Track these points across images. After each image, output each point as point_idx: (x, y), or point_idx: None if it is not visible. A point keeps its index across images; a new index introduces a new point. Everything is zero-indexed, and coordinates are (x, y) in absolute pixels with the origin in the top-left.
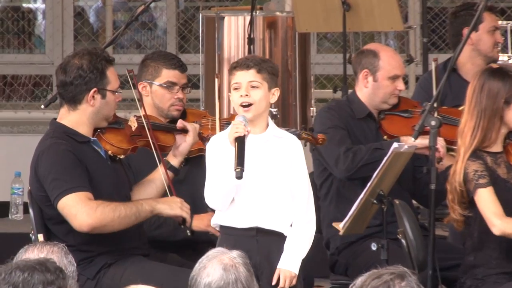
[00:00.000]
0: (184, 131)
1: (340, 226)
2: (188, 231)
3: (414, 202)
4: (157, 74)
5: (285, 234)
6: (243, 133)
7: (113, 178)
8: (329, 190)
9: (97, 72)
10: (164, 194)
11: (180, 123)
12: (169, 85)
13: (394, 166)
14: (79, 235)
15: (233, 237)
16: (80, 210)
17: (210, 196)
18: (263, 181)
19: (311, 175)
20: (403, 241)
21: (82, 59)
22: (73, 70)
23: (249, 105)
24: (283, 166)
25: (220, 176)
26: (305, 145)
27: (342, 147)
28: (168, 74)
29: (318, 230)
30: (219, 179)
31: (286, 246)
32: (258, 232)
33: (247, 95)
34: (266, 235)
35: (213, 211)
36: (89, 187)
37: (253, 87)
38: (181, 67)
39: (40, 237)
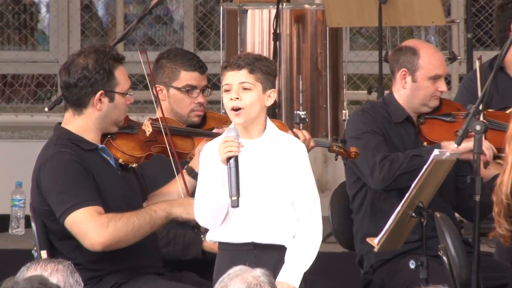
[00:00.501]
0: (208, 134)
1: (375, 241)
2: (202, 236)
3: (456, 215)
4: (174, 76)
5: (286, 246)
6: (237, 152)
7: (124, 190)
8: (363, 202)
9: (104, 73)
10: None
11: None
12: (189, 89)
13: (434, 175)
14: (86, 252)
15: (229, 252)
16: (90, 227)
17: (199, 212)
18: (259, 192)
19: (342, 185)
20: (444, 258)
21: (88, 58)
22: (77, 71)
23: (240, 108)
24: (282, 172)
25: (210, 192)
26: (336, 159)
27: (378, 155)
28: (187, 77)
29: (351, 247)
30: (209, 195)
31: (287, 257)
32: (256, 247)
33: (237, 98)
34: (265, 249)
35: None
36: (98, 199)
37: (244, 89)
38: (201, 68)
39: (44, 254)
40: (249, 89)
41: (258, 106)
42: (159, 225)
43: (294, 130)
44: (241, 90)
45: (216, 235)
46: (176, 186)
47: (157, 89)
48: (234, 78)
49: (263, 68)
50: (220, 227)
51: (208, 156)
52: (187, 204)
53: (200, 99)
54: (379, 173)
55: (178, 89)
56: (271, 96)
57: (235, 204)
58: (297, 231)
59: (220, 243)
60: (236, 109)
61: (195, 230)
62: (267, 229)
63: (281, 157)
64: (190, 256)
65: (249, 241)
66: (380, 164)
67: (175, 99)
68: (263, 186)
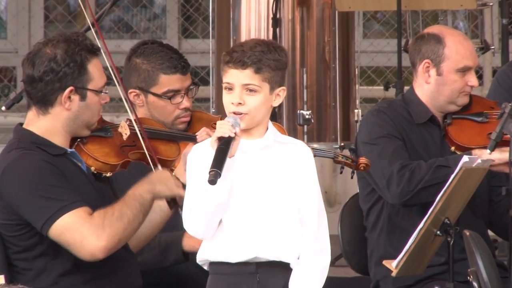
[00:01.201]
0: (192, 139)
1: (392, 265)
2: (180, 209)
3: (490, 233)
4: (152, 81)
5: (292, 265)
6: (228, 134)
7: (98, 202)
8: (379, 218)
9: (74, 66)
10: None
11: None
12: (171, 95)
13: (463, 187)
14: (55, 273)
15: (225, 277)
16: (86, 233)
17: (189, 218)
18: (262, 199)
19: (354, 198)
20: (475, 284)
21: (56, 48)
22: (43, 62)
23: (243, 113)
24: (288, 178)
25: (200, 193)
26: (341, 172)
27: (396, 164)
28: (167, 81)
29: (364, 271)
30: (199, 197)
31: (291, 282)
32: (259, 266)
33: (240, 103)
34: (269, 268)
35: None
36: (82, 199)
37: (249, 90)
38: (183, 68)
39: (1, 279)
40: (255, 91)
41: (263, 109)
42: (148, 210)
43: None
44: (244, 92)
45: (209, 253)
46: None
47: (133, 94)
48: (237, 78)
49: (272, 64)
50: (214, 243)
51: (197, 157)
52: (165, 178)
53: (185, 103)
54: (396, 185)
55: (158, 96)
56: (280, 95)
57: (213, 178)
58: (302, 251)
59: (213, 266)
60: (238, 114)
61: (172, 209)
62: (273, 242)
63: (288, 160)
64: (170, 260)
65: (251, 257)
66: (398, 175)
67: (155, 106)
68: (267, 191)
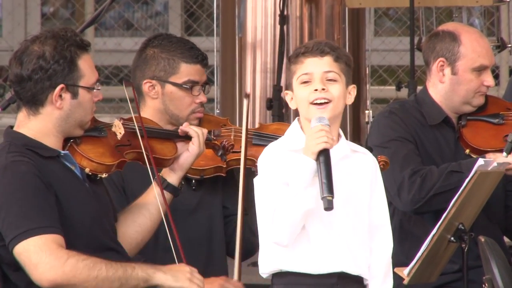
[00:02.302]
0: (188, 137)
1: (404, 272)
2: None
3: (506, 239)
4: (173, 70)
5: (365, 280)
6: (331, 144)
7: (92, 206)
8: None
9: (64, 63)
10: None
11: (183, 128)
12: (191, 85)
13: (478, 191)
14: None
15: (302, 287)
16: (43, 259)
17: (273, 225)
18: (345, 210)
19: None
20: None
21: (45, 45)
22: (31, 60)
23: (326, 102)
24: (363, 190)
25: (288, 200)
26: None
27: (407, 169)
28: (189, 71)
29: None
30: (287, 203)
31: None
32: (340, 279)
33: (323, 89)
34: (347, 281)
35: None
36: (59, 227)
37: (329, 79)
38: (203, 60)
39: None
40: (335, 81)
41: (343, 102)
42: (132, 286)
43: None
44: (326, 81)
45: (288, 263)
46: (152, 195)
47: (148, 85)
48: (317, 66)
49: (345, 58)
50: (296, 253)
51: (275, 160)
52: (178, 270)
53: (202, 97)
54: (407, 192)
55: (178, 85)
56: (351, 94)
57: (330, 205)
58: (377, 265)
59: (288, 276)
60: (322, 103)
61: None
62: (356, 257)
63: (363, 171)
64: None
65: (338, 271)
66: (409, 181)
67: (173, 97)
68: (349, 202)
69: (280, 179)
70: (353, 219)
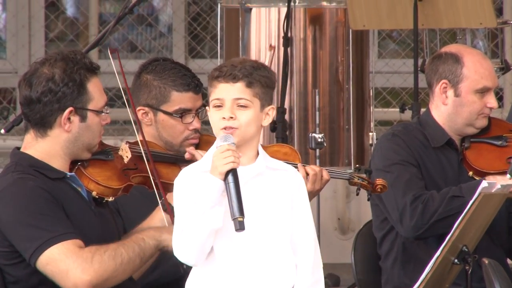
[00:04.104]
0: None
1: None
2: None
3: (510, 261)
4: (164, 98)
5: None
6: (237, 163)
7: (99, 230)
8: (393, 247)
9: (73, 86)
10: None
11: (189, 153)
12: (182, 113)
13: (482, 213)
14: None
15: None
16: (71, 264)
17: (181, 244)
18: (255, 228)
19: (368, 225)
20: None
21: (54, 67)
22: (41, 83)
23: (233, 128)
24: (282, 207)
25: (197, 216)
26: (357, 194)
27: (409, 195)
28: (180, 99)
29: None
30: (194, 223)
31: None
32: None
33: (231, 117)
34: None
35: None
36: (75, 231)
37: (240, 106)
38: (196, 87)
39: None
40: (246, 107)
41: (254, 127)
42: (149, 256)
43: (299, 165)
44: (235, 108)
45: (199, 283)
46: (157, 220)
47: (141, 111)
48: (228, 93)
49: (262, 80)
50: (205, 272)
51: (186, 180)
52: None
53: (196, 124)
54: (409, 219)
55: (169, 114)
56: (269, 114)
57: (241, 227)
58: (298, 281)
59: None
60: (229, 129)
61: (184, 267)
62: (267, 274)
63: (280, 188)
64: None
65: None
66: (411, 207)
67: (165, 125)
68: (260, 220)
69: (189, 200)
70: (270, 237)
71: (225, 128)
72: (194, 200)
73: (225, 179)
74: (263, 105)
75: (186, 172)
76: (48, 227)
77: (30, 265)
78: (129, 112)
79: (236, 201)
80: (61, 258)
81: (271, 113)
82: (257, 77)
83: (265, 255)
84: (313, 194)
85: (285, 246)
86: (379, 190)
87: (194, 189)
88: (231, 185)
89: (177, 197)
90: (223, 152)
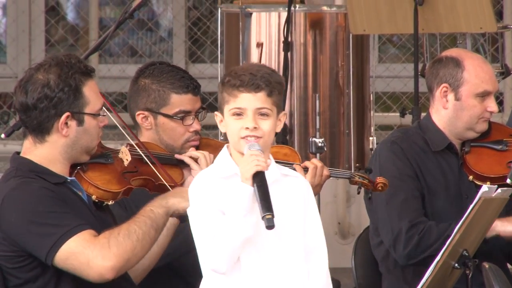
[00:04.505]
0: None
1: None
2: None
3: (510, 266)
4: (163, 101)
5: None
6: (265, 166)
7: (99, 232)
8: (388, 254)
9: (69, 91)
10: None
11: (190, 153)
12: (182, 116)
13: (482, 217)
14: None
15: None
16: (91, 254)
17: (211, 253)
18: (279, 233)
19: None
20: None
21: (49, 73)
22: (36, 89)
23: (258, 138)
24: (297, 214)
25: (227, 228)
26: (358, 192)
27: (405, 219)
28: (179, 101)
29: None
30: (226, 231)
31: None
32: None
33: (255, 127)
34: None
35: None
36: (86, 222)
37: (261, 114)
38: (195, 89)
39: None
40: (267, 115)
41: (273, 134)
42: (162, 225)
43: (295, 165)
44: (257, 117)
45: None
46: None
47: (141, 116)
48: (250, 102)
49: (278, 88)
50: (230, 281)
51: (210, 186)
52: (181, 192)
53: (196, 126)
54: (403, 247)
55: (169, 116)
56: (281, 120)
57: (271, 223)
58: (314, 285)
59: None
60: (252, 138)
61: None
62: (291, 280)
63: (295, 195)
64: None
65: None
66: (406, 235)
67: (165, 128)
68: (281, 229)
69: (215, 207)
70: (287, 243)
71: (246, 137)
72: (221, 208)
73: (253, 183)
74: (278, 112)
75: (203, 178)
76: (59, 223)
77: (34, 268)
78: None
79: (265, 199)
80: (80, 250)
81: (282, 119)
82: (275, 85)
83: (284, 263)
84: (313, 189)
85: (300, 253)
86: (380, 188)
87: (218, 196)
88: (259, 185)
89: (198, 204)
90: (248, 157)
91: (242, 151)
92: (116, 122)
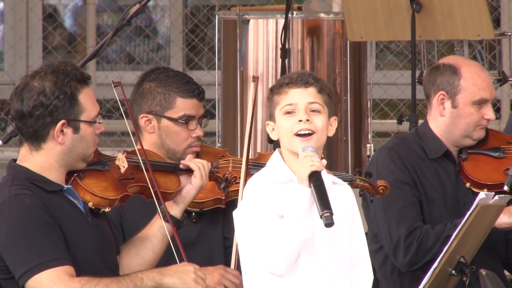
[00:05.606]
0: (191, 170)
1: None
2: None
3: (507, 273)
4: (168, 104)
5: None
6: (321, 167)
7: (96, 242)
8: (386, 261)
9: (65, 98)
10: (167, 258)
11: (184, 162)
12: (186, 120)
13: (479, 224)
14: None
15: None
16: None
17: (270, 255)
18: (328, 240)
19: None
20: None
21: (44, 81)
22: (32, 97)
23: (310, 134)
24: (346, 222)
25: (285, 230)
26: (360, 194)
27: (403, 227)
28: (185, 105)
29: None
30: (284, 233)
31: None
32: None
33: (308, 120)
34: None
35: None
36: (68, 257)
37: (313, 110)
38: (199, 94)
39: None
40: (319, 112)
41: (325, 135)
42: None
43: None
44: (309, 112)
45: None
46: (155, 228)
47: (144, 119)
48: (301, 97)
49: (327, 89)
50: (282, 283)
51: (266, 189)
52: (183, 272)
53: (199, 131)
54: (403, 255)
55: (173, 120)
56: (333, 125)
57: (329, 221)
58: None
59: None
60: (305, 134)
61: None
62: (338, 287)
63: (345, 203)
64: None
65: None
66: (405, 243)
67: (169, 132)
68: (332, 235)
69: (271, 210)
70: (335, 250)
71: (300, 133)
72: (277, 212)
73: (310, 183)
74: (330, 114)
75: (257, 182)
76: (41, 251)
77: None
78: (127, 123)
79: (322, 197)
80: (49, 285)
81: (334, 123)
82: (324, 85)
83: (331, 268)
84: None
85: (346, 261)
86: (381, 191)
87: (275, 200)
88: (316, 184)
89: (253, 207)
90: (302, 159)
91: (295, 150)
92: (128, 127)
